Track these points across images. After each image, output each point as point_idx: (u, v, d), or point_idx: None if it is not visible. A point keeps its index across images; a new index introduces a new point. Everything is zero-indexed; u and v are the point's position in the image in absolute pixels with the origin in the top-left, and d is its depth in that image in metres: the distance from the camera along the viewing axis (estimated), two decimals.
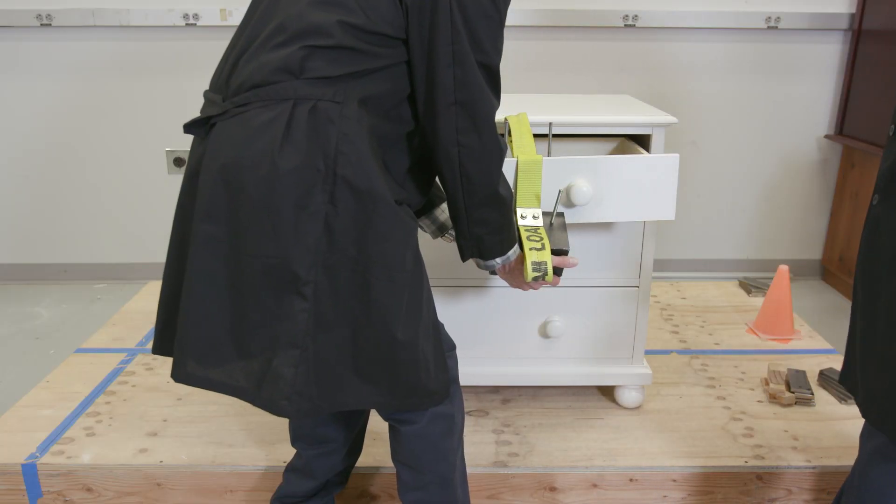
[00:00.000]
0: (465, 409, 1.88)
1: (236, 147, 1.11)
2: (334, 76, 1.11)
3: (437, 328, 1.29)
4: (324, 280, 1.13)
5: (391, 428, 1.37)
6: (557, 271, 1.41)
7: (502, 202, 1.26)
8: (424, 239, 1.53)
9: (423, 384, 1.23)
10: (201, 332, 1.17)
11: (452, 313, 1.81)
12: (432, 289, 1.77)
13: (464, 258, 1.34)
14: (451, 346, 1.39)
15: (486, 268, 1.34)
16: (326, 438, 1.47)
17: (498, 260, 1.32)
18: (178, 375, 1.20)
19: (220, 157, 1.12)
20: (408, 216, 1.20)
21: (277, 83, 1.11)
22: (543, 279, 1.37)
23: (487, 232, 1.27)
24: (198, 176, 1.17)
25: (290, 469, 1.54)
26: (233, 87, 1.16)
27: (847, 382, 1.28)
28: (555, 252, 1.41)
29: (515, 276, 1.41)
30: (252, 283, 1.13)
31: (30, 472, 1.66)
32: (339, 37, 1.10)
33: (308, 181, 1.09)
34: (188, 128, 1.19)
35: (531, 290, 1.47)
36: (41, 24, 2.83)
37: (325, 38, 1.10)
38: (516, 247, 1.35)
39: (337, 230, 1.11)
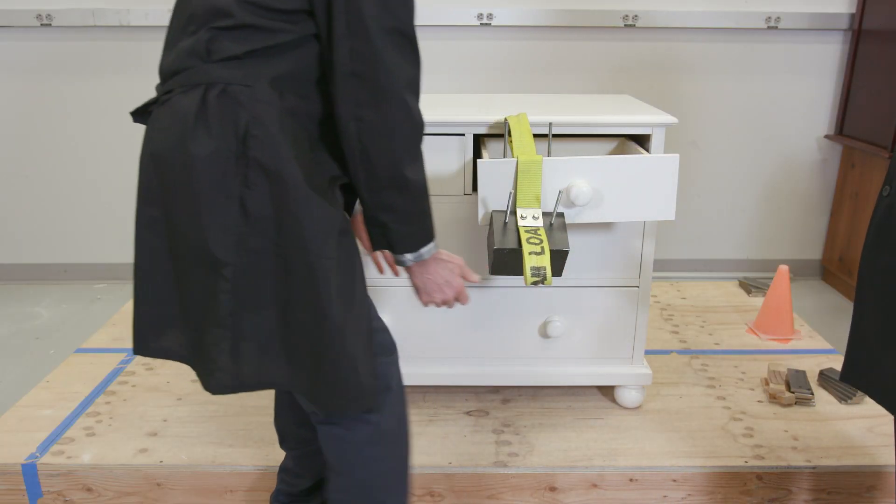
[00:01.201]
0: (466, 409, 1.88)
1: (161, 133, 1.13)
2: (240, 55, 1.10)
3: (371, 331, 1.23)
4: (244, 262, 1.12)
5: (318, 428, 1.32)
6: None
7: (409, 187, 1.14)
8: None
9: (350, 381, 1.17)
10: (151, 307, 1.21)
11: (452, 313, 1.81)
12: None
13: (374, 248, 1.24)
14: (390, 350, 1.31)
15: (401, 263, 1.24)
16: (306, 439, 1.47)
17: (409, 256, 1.22)
18: (138, 348, 1.24)
19: (151, 145, 1.15)
20: (329, 202, 1.14)
21: (190, 68, 1.13)
22: (542, 283, 1.37)
23: (393, 220, 1.17)
24: None
25: (283, 469, 1.56)
26: (161, 75, 1.19)
27: (850, 379, 1.26)
28: (555, 252, 1.41)
29: (428, 281, 1.29)
30: (185, 263, 1.16)
31: (30, 472, 1.66)
32: (239, 15, 1.10)
33: (222, 165, 1.09)
34: (134, 117, 1.22)
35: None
36: (41, 24, 2.83)
37: (227, 19, 1.10)
38: (432, 245, 1.23)
39: (254, 213, 1.10)
